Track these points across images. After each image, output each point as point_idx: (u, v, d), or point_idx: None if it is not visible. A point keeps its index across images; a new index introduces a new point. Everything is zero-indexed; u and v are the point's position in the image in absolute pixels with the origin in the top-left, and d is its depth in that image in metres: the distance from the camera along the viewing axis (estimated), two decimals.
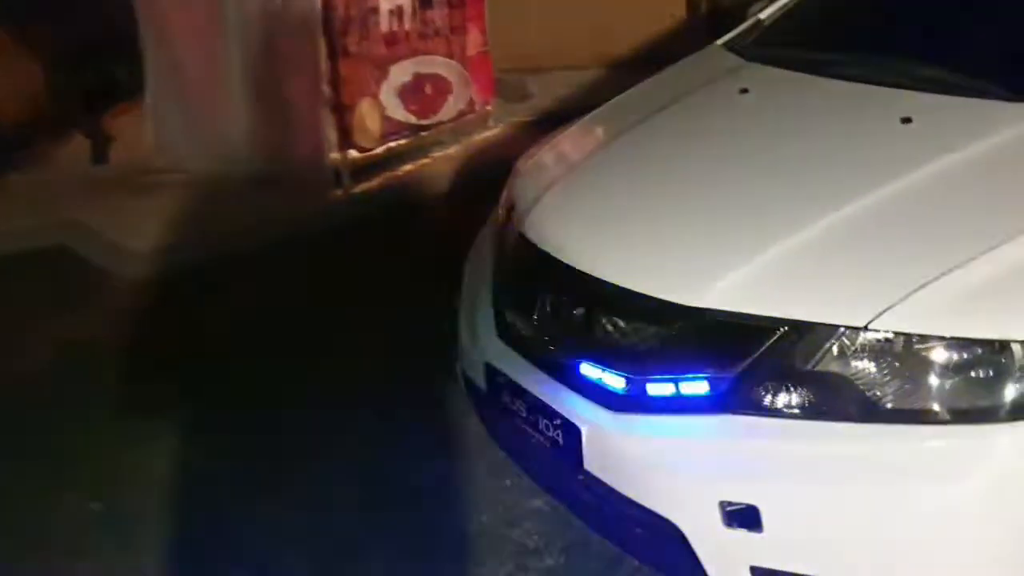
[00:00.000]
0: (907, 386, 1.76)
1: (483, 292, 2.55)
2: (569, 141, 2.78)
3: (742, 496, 1.81)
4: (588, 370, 2.08)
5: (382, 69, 5.52)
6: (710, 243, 2.04)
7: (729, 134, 2.47)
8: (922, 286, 1.75)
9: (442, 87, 6.01)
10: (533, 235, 2.32)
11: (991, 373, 1.70)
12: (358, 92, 5.37)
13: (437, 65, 5.95)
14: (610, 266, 2.08)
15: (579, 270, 2.12)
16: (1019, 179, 1.98)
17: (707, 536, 1.88)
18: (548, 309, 2.18)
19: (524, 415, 2.23)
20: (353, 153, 5.42)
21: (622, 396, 2.01)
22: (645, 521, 1.99)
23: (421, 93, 5.83)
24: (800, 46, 2.82)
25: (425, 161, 5.92)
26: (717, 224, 2.08)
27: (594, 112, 2.91)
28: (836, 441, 1.78)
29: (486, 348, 2.38)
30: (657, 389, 1.97)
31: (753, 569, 1.86)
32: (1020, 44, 2.39)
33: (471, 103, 6.26)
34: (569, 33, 7.78)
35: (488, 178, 5.41)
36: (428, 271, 4.24)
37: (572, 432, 2.07)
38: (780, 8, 3.16)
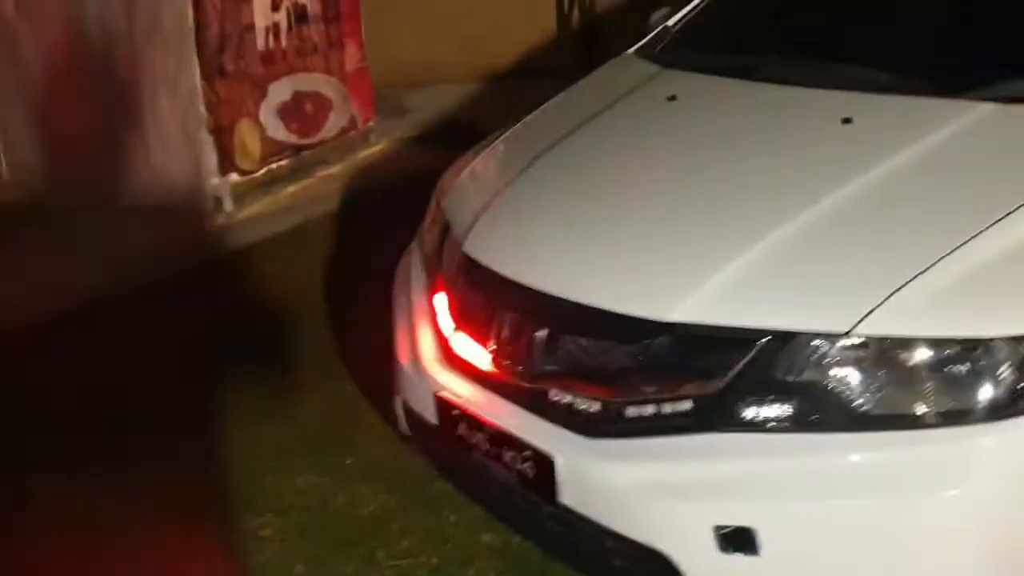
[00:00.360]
0: (892, 391, 1.73)
1: (420, 319, 2.41)
2: (497, 156, 2.68)
3: (737, 518, 1.74)
4: (558, 396, 1.97)
5: (260, 88, 5.28)
6: (675, 255, 1.97)
7: (668, 143, 2.41)
8: (900, 288, 1.73)
9: (322, 105, 5.80)
10: (482, 256, 2.20)
11: (974, 372, 1.69)
12: (236, 113, 5.11)
13: (316, 82, 5.74)
14: (576, 285, 1.98)
15: (541, 291, 2.01)
16: (968, 174, 1.99)
17: (701, 564, 1.80)
18: (508, 334, 2.06)
19: (485, 448, 2.10)
20: (234, 177, 5.15)
21: (598, 421, 1.91)
22: (630, 553, 1.89)
23: (301, 112, 5.61)
24: (718, 51, 2.80)
25: (309, 182, 5.70)
26: (679, 236, 2.02)
27: (517, 126, 2.80)
28: (825, 453, 1.74)
29: (434, 379, 2.23)
30: (636, 411, 1.87)
31: None
32: (950, 43, 2.44)
33: (352, 120, 6.07)
34: (443, 47, 7.70)
35: (375, 197, 5.28)
36: (318, 303, 4.07)
37: (544, 463, 1.96)
38: (687, 14, 3.15)
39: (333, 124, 5.89)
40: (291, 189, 5.54)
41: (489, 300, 2.15)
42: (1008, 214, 1.80)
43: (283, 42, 5.40)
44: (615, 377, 1.90)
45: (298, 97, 5.56)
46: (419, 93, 7.46)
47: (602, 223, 2.14)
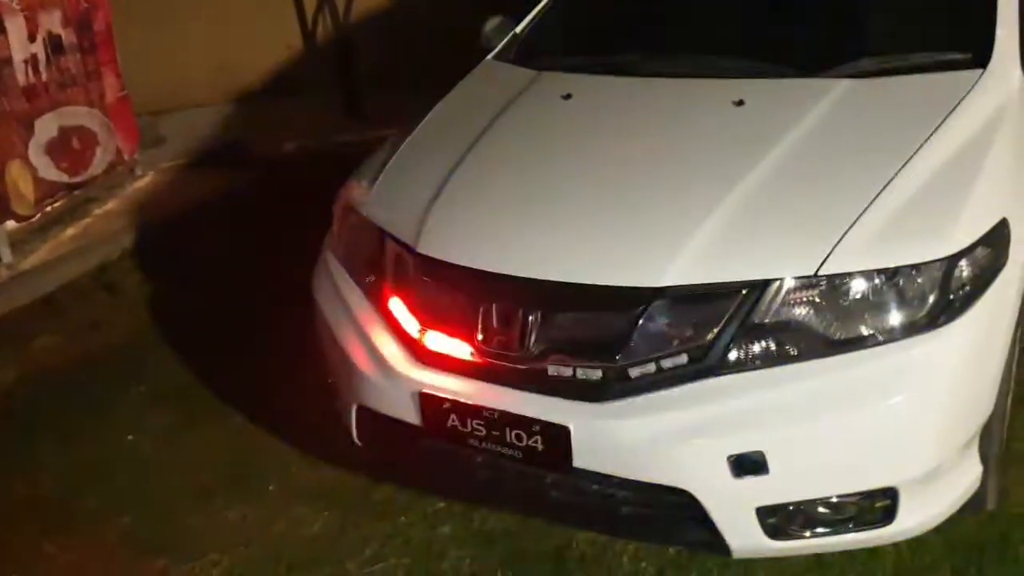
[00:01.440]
0: (847, 318, 2.07)
1: (372, 327, 2.46)
2: (412, 161, 2.75)
3: (748, 446, 2.01)
4: (558, 370, 2.13)
5: (26, 126, 4.87)
6: (645, 229, 2.19)
7: (587, 132, 2.64)
8: (846, 232, 2.08)
9: (89, 139, 5.44)
10: (446, 255, 2.30)
11: (908, 293, 2.07)
12: (6, 154, 4.67)
13: (80, 116, 5.37)
14: (561, 267, 2.15)
15: (527, 278, 2.16)
16: (855, 134, 2.39)
17: (717, 491, 2.05)
18: (496, 322, 2.18)
19: (483, 434, 2.22)
20: (10, 224, 4.71)
21: (604, 386, 2.10)
22: (648, 497, 2.11)
23: (69, 148, 5.23)
24: (588, 52, 3.08)
25: (88, 221, 5.34)
26: (641, 211, 2.25)
27: (414, 133, 2.89)
28: (807, 378, 2.04)
29: (412, 379, 2.31)
30: (638, 371, 2.09)
31: (758, 509, 2.07)
32: (809, 30, 2.87)
33: (118, 153, 5.75)
34: (190, 71, 7.45)
35: (163, 231, 5.06)
36: (155, 343, 3.89)
37: (556, 433, 2.11)
38: (531, 22, 3.40)
39: (101, 159, 5.54)
40: (71, 231, 5.17)
41: (464, 294, 2.26)
42: (906, 162, 2.21)
43: (43, 75, 5.01)
44: (614, 344, 2.09)
45: (64, 132, 5.18)
46: (172, 119, 7.16)
47: (562, 208, 2.32)
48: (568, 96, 2.80)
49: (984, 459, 2.29)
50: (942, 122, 2.36)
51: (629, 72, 2.85)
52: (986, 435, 2.26)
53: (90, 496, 2.96)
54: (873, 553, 2.44)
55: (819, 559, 2.44)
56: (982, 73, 2.55)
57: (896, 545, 2.44)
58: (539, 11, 3.43)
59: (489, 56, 3.32)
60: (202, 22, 7.36)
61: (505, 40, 3.36)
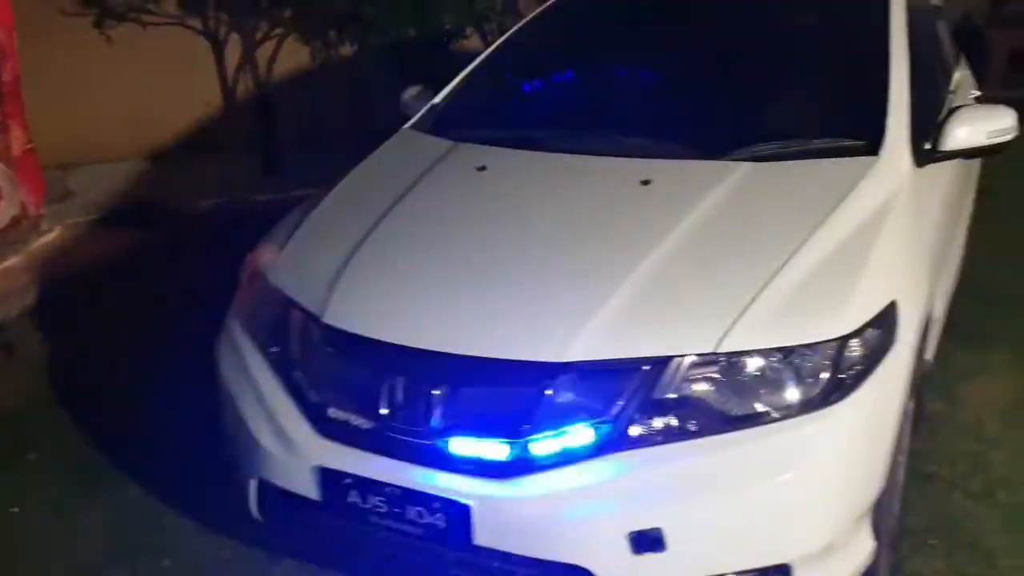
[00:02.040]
0: (743, 395, 2.12)
1: (274, 398, 2.41)
2: (324, 229, 2.74)
3: (648, 523, 2.02)
4: (462, 447, 2.12)
5: None
6: (550, 304, 2.22)
7: (500, 205, 2.68)
8: (745, 310, 2.14)
9: None
10: (352, 326, 2.28)
11: (802, 372, 2.13)
12: None
13: None
14: (467, 340, 2.16)
15: (433, 351, 2.16)
16: (755, 216, 2.48)
17: (616, 569, 2.06)
18: (400, 396, 2.17)
19: (383, 511, 2.19)
20: None
21: (506, 463, 2.10)
22: (548, 575, 2.09)
23: None
24: (504, 127, 3.14)
25: None
26: (546, 286, 2.27)
27: (325, 200, 2.89)
28: (706, 455, 2.07)
29: (312, 453, 2.27)
30: (541, 448, 2.09)
31: None
32: (714, 116, 2.98)
33: (23, 208, 5.59)
34: (103, 124, 7.31)
35: (69, 289, 4.92)
36: (53, 409, 3.75)
37: (457, 511, 2.10)
38: (450, 93, 3.45)
39: (5, 213, 5.39)
40: None
41: (369, 367, 2.24)
42: (802, 244, 2.29)
43: None
44: (519, 420, 2.10)
45: None
46: (82, 173, 7.02)
47: (471, 282, 2.34)
48: (483, 168, 2.84)
49: (877, 534, 2.34)
50: (836, 206, 2.46)
51: (544, 147, 2.91)
52: (878, 510, 2.32)
53: None
54: None
55: None
56: (874, 160, 2.67)
57: None
58: (458, 82, 3.49)
59: (407, 125, 3.35)
60: (116, 74, 7.27)
61: (423, 110, 3.40)
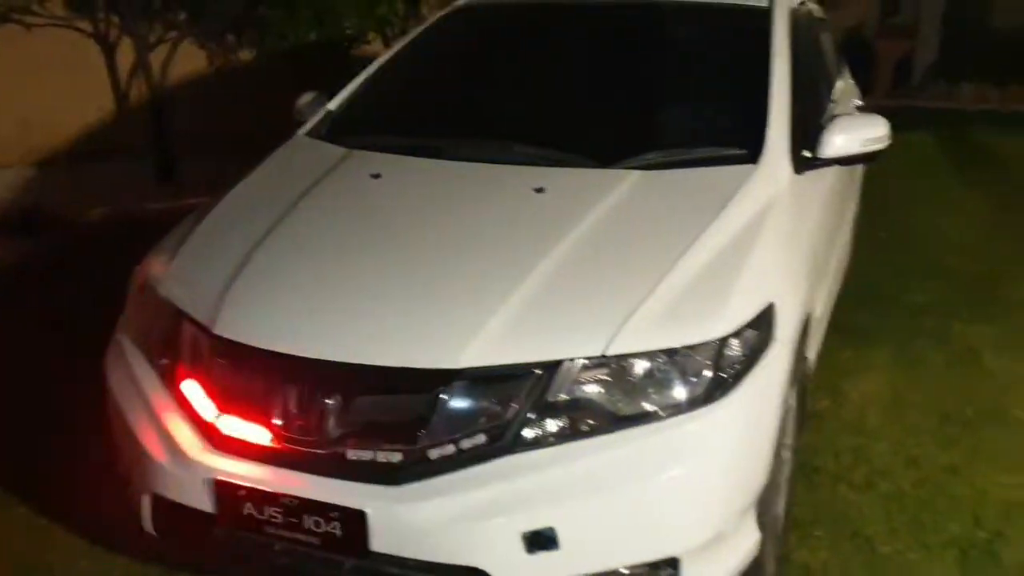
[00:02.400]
0: (631, 395, 2.19)
1: (165, 412, 2.38)
2: (214, 240, 2.71)
3: (540, 522, 2.07)
4: (357, 454, 2.13)
5: None
6: (444, 311, 2.24)
7: (394, 214, 2.69)
8: (632, 314, 2.21)
9: None
10: (244, 336, 2.27)
11: (686, 371, 2.21)
12: None
13: None
14: (361, 349, 2.17)
15: (326, 360, 2.16)
16: (642, 223, 2.56)
17: (511, 569, 2.10)
18: (294, 406, 2.17)
19: (280, 521, 2.18)
20: None
21: (402, 469, 2.12)
22: None
23: None
24: (400, 135, 3.15)
25: None
26: (440, 294, 2.30)
27: (216, 209, 2.85)
28: (595, 454, 2.13)
29: (206, 466, 2.25)
30: (436, 452, 2.12)
31: None
32: (605, 127, 3.06)
33: None
34: None
35: None
36: None
37: (354, 518, 2.11)
38: (347, 100, 3.45)
39: None
40: None
41: (261, 377, 2.23)
42: (686, 250, 2.38)
43: None
44: (413, 426, 2.12)
45: None
46: None
47: (364, 290, 2.34)
48: (377, 176, 2.86)
49: (762, 526, 2.44)
50: (717, 213, 2.56)
51: (439, 155, 2.94)
52: (763, 503, 2.42)
53: None
54: None
55: None
56: (754, 168, 2.79)
57: None
58: (353, 89, 3.49)
59: (300, 131, 3.34)
60: (3, 76, 7.00)
61: (318, 116, 3.39)
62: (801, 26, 3.71)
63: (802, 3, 3.98)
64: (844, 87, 4.76)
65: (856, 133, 3.05)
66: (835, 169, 3.29)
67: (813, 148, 3.04)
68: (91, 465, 2.95)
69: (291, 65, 7.35)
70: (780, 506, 2.70)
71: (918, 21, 13.67)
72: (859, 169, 4.85)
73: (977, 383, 4.06)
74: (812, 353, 3.35)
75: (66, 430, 3.38)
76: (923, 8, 13.47)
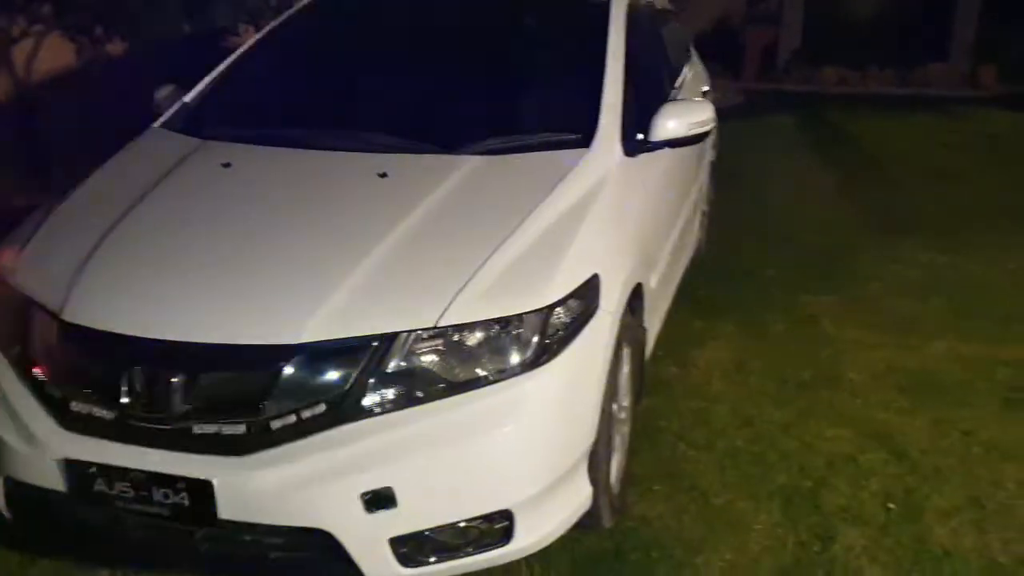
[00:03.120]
0: (464, 362, 2.37)
1: (15, 397, 2.45)
2: (64, 230, 2.77)
3: (377, 483, 2.23)
4: (202, 428, 2.25)
5: None
6: (285, 290, 2.38)
7: (240, 200, 2.80)
8: (461, 289, 2.38)
9: None
10: (91, 321, 2.36)
11: (511, 339, 2.41)
12: None
13: None
14: (203, 329, 2.29)
15: (171, 340, 2.27)
16: (479, 203, 2.74)
17: (352, 527, 2.25)
18: (140, 386, 2.27)
19: (131, 495, 2.28)
20: None
21: (246, 440, 2.25)
22: (292, 541, 2.27)
23: None
24: (251, 125, 3.26)
25: None
26: (282, 274, 2.43)
27: (66, 202, 2.91)
28: (428, 418, 2.31)
29: (56, 445, 2.33)
30: (279, 423, 2.26)
31: (391, 540, 2.29)
32: (449, 114, 3.23)
33: None
34: None
35: None
36: None
37: (200, 489, 2.23)
38: (201, 92, 3.53)
39: None
40: None
41: (108, 359, 2.33)
42: (517, 227, 2.57)
43: None
44: (257, 400, 2.25)
45: None
46: None
47: (209, 273, 2.46)
48: (227, 165, 2.97)
49: (594, 481, 2.66)
50: (548, 193, 2.76)
51: (288, 143, 3.07)
52: (594, 459, 2.64)
53: None
54: (509, 573, 2.74)
55: None
56: (586, 151, 3.00)
57: (528, 563, 2.76)
58: (208, 82, 3.58)
59: (156, 123, 3.41)
60: None
61: (174, 108, 3.46)
62: (640, 18, 3.96)
63: None
64: (692, 75, 5.05)
65: (683, 118, 3.30)
66: (675, 152, 3.53)
67: (646, 132, 3.28)
68: None
69: (166, 58, 7.27)
70: (616, 462, 2.93)
71: (782, 8, 14.24)
72: (707, 152, 5.17)
73: (817, 349, 4.38)
74: (654, 323, 3.60)
75: None
76: None
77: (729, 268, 5.44)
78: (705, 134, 3.40)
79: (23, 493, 2.44)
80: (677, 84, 4.51)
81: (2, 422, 2.43)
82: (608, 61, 3.37)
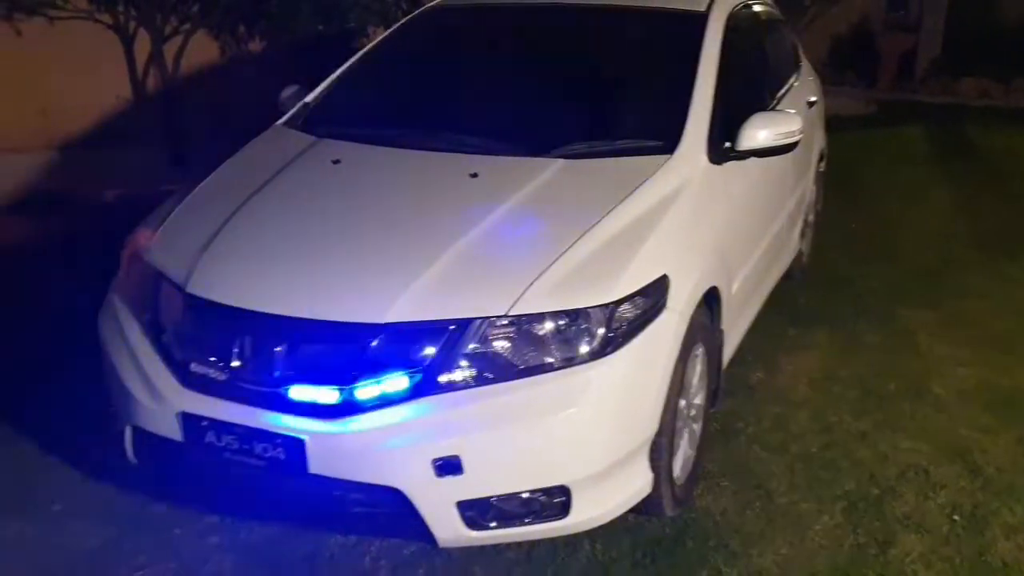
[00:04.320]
0: (533, 349, 2.59)
1: (145, 358, 2.81)
2: (193, 214, 3.13)
3: (447, 451, 2.48)
4: (299, 392, 2.55)
5: None
6: (376, 275, 2.66)
7: (347, 193, 3.11)
8: (533, 281, 2.60)
9: None
10: (211, 295, 2.69)
11: (578, 331, 2.61)
12: None
13: None
14: (304, 305, 2.58)
15: (276, 314, 2.58)
16: (559, 204, 2.95)
17: (423, 489, 2.51)
18: (249, 352, 2.59)
19: (235, 448, 2.60)
20: None
21: (335, 405, 2.53)
22: (370, 497, 2.54)
23: None
24: (361, 125, 3.57)
25: None
26: (375, 261, 2.71)
27: (197, 190, 3.28)
28: (497, 396, 2.53)
29: (176, 401, 2.67)
30: (363, 392, 2.53)
31: (458, 504, 2.54)
32: (536, 120, 3.46)
33: None
34: (13, 115, 7.51)
35: None
36: None
37: (294, 445, 2.52)
38: (321, 93, 3.87)
39: None
40: None
41: (223, 328, 2.65)
42: (592, 227, 2.78)
43: None
44: (346, 370, 2.53)
45: None
46: None
47: (313, 257, 2.76)
48: (337, 161, 3.28)
49: (655, 470, 2.84)
50: (627, 196, 2.95)
51: (393, 144, 3.36)
52: (655, 449, 2.81)
53: None
54: (571, 548, 2.94)
55: (528, 554, 2.92)
56: (668, 158, 3.17)
57: (592, 540, 2.96)
58: (328, 84, 3.92)
59: (279, 121, 3.76)
60: (26, 67, 7.47)
61: (296, 107, 3.81)
62: (741, 28, 4.07)
63: (746, 6, 4.33)
64: (798, 85, 5.10)
65: (771, 128, 3.41)
66: (769, 160, 3.65)
67: (733, 141, 3.42)
68: (89, 407, 3.39)
69: (298, 57, 7.77)
70: (682, 456, 3.08)
71: (922, 16, 13.81)
72: (812, 162, 5.21)
73: (907, 362, 4.40)
74: (736, 327, 3.73)
75: (67, 379, 3.82)
76: (927, 2, 13.62)
77: (831, 278, 5.47)
78: (792, 145, 3.50)
79: (147, 441, 2.79)
80: (779, 94, 4.59)
81: (132, 378, 2.79)
82: (700, 71, 3.51)
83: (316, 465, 2.53)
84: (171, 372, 2.73)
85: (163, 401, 2.69)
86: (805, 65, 5.61)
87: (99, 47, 7.66)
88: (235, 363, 2.61)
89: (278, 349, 2.56)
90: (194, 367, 2.69)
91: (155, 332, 2.83)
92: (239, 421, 2.58)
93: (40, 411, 3.70)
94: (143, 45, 7.72)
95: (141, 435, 2.80)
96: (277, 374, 2.57)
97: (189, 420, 2.64)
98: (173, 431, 2.68)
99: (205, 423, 2.62)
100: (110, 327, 3.00)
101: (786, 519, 3.17)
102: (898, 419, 3.86)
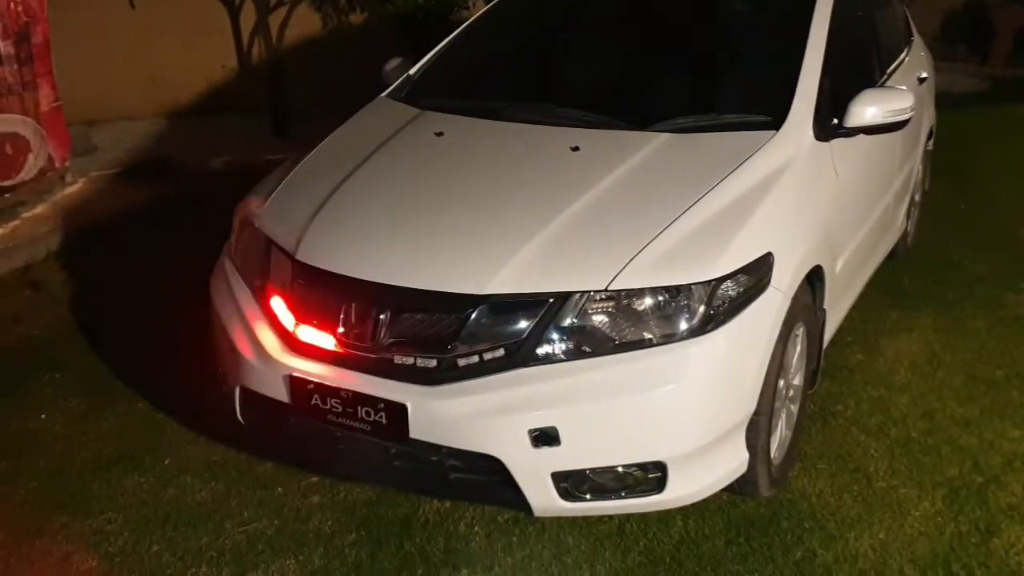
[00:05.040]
0: (633, 324, 2.59)
1: (255, 321, 2.91)
2: (302, 182, 3.22)
3: (544, 422, 2.50)
4: (401, 359, 2.61)
5: None
6: (477, 247, 2.69)
7: (450, 165, 3.15)
8: (634, 256, 2.60)
9: (21, 146, 5.79)
10: (319, 262, 2.77)
11: (679, 307, 2.60)
12: None
13: (14, 123, 5.73)
14: (408, 274, 2.64)
15: (380, 282, 2.64)
16: (662, 178, 2.93)
17: (520, 458, 2.54)
18: (354, 319, 2.66)
19: (339, 410, 2.68)
20: None
21: (436, 373, 2.59)
22: (468, 464, 2.59)
23: (2, 153, 5.58)
24: (464, 97, 3.60)
25: (16, 223, 5.67)
26: (479, 232, 2.74)
27: (307, 158, 3.37)
28: (595, 370, 2.55)
29: (285, 364, 2.76)
30: (464, 361, 2.57)
31: (553, 475, 2.57)
32: (638, 94, 3.43)
33: (50, 160, 6.09)
34: (123, 84, 7.79)
35: (90, 235, 5.42)
36: (71, 335, 4.24)
37: (397, 410, 2.59)
38: (424, 65, 3.92)
39: (32, 165, 5.89)
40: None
41: (330, 295, 2.72)
42: (695, 202, 2.75)
43: None
44: (446, 339, 2.58)
45: None
46: (104, 129, 7.52)
47: (416, 227, 2.81)
48: (440, 134, 3.31)
49: (752, 449, 2.81)
50: (732, 171, 2.91)
51: (495, 117, 3.38)
52: (753, 428, 2.79)
53: (1, 463, 3.34)
54: (664, 524, 2.95)
55: (620, 527, 2.94)
56: (774, 134, 3.11)
57: (684, 518, 2.96)
58: (430, 57, 3.96)
59: (383, 94, 3.82)
60: (138, 37, 7.74)
61: (399, 80, 3.87)
62: (851, 3, 3.95)
63: None
64: (909, 60, 4.93)
65: (880, 105, 3.32)
66: (877, 138, 3.54)
67: (841, 118, 3.33)
68: (200, 369, 3.52)
69: (400, 28, 7.86)
70: (779, 436, 3.05)
71: None
72: (920, 140, 5.04)
73: (1015, 349, 4.23)
74: (839, 307, 3.65)
75: (179, 341, 3.98)
76: None
77: (937, 261, 5.29)
78: (903, 123, 3.39)
79: (254, 401, 2.89)
80: (889, 70, 4.44)
81: (243, 341, 2.89)
82: (808, 47, 3.42)
83: (417, 430, 2.59)
84: (279, 336, 2.82)
85: (271, 364, 2.79)
86: (916, 39, 5.41)
87: (206, 17, 7.89)
88: (340, 328, 2.68)
89: (382, 316, 2.62)
90: (301, 331, 2.77)
91: (264, 296, 2.92)
92: (343, 385, 2.65)
93: (155, 371, 3.88)
94: (248, 16, 7.91)
95: (249, 395, 2.90)
96: (381, 341, 2.63)
97: (296, 382, 2.73)
98: (280, 393, 2.78)
99: (311, 386, 2.70)
100: (221, 291, 3.11)
101: (884, 504, 3.11)
102: (1005, 407, 3.73)
